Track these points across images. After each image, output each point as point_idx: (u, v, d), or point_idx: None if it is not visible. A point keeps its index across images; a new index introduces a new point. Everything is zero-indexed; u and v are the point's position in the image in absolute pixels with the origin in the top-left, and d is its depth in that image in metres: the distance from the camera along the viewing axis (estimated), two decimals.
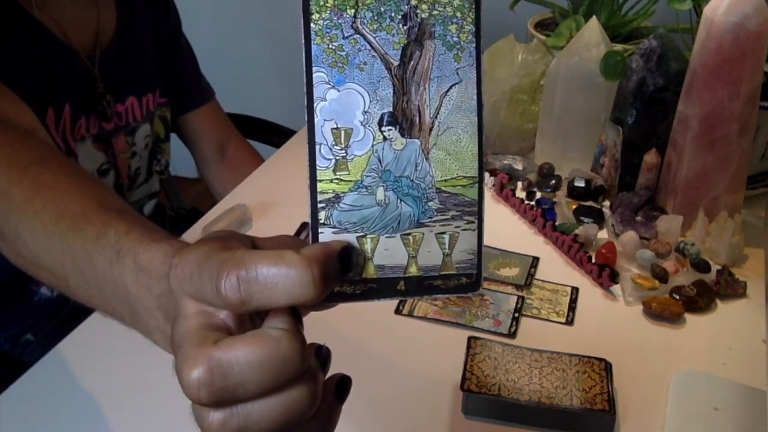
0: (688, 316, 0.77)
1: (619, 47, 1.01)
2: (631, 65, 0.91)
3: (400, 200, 0.37)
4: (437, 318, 0.77)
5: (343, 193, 0.36)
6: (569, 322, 0.77)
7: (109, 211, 0.44)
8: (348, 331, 0.73)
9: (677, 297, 0.78)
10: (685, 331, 0.76)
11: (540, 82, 1.07)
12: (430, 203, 0.37)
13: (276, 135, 1.40)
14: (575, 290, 0.81)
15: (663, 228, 0.87)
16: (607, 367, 0.67)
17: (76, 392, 0.68)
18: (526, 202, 0.96)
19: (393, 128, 0.36)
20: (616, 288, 0.81)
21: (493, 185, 1.01)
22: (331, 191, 0.36)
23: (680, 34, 0.99)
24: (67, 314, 0.99)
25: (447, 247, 0.37)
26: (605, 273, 0.81)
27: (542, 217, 0.92)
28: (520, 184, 1.01)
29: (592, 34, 0.97)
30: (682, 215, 0.87)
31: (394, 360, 0.72)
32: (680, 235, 0.87)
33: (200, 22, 1.83)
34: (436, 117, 0.36)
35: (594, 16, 1.00)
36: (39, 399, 0.67)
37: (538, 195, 0.99)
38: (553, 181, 1.00)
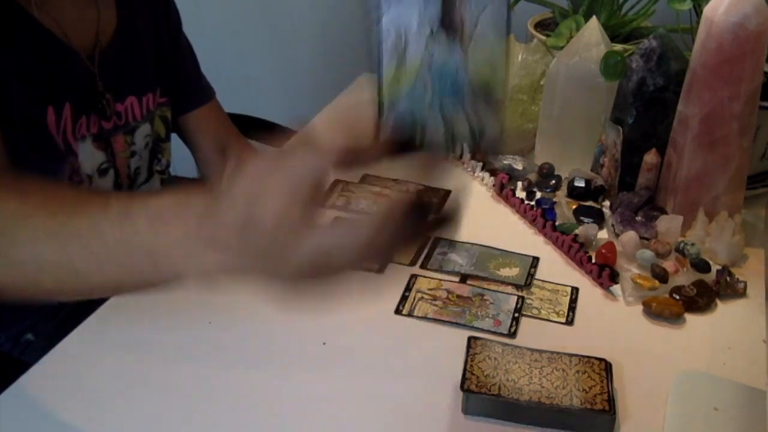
0: (688, 316, 0.78)
1: (619, 47, 1.01)
2: (631, 65, 0.91)
3: (444, 97, 0.44)
4: (437, 318, 0.77)
5: (400, 88, 0.43)
6: (569, 322, 0.77)
7: (104, 193, 0.46)
8: (348, 330, 0.73)
9: (677, 297, 0.78)
10: (685, 331, 0.76)
11: (540, 82, 1.07)
12: (466, 99, 0.44)
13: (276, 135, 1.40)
14: (575, 290, 0.81)
15: (663, 228, 0.87)
16: (607, 367, 0.67)
17: (76, 392, 0.68)
18: (526, 202, 0.96)
19: (441, 36, 0.42)
20: (616, 288, 0.81)
21: (493, 185, 1.01)
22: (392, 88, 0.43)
23: (680, 34, 0.99)
24: (67, 314, 0.99)
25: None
26: (605, 273, 0.81)
27: (542, 217, 0.92)
28: (520, 184, 1.01)
29: (592, 34, 0.97)
30: (682, 215, 0.87)
31: (394, 360, 0.72)
32: (680, 235, 0.87)
33: (200, 22, 1.82)
34: (475, 29, 0.43)
35: (594, 16, 1.00)
36: (39, 399, 0.67)
37: (538, 195, 0.99)
38: (553, 181, 1.00)
